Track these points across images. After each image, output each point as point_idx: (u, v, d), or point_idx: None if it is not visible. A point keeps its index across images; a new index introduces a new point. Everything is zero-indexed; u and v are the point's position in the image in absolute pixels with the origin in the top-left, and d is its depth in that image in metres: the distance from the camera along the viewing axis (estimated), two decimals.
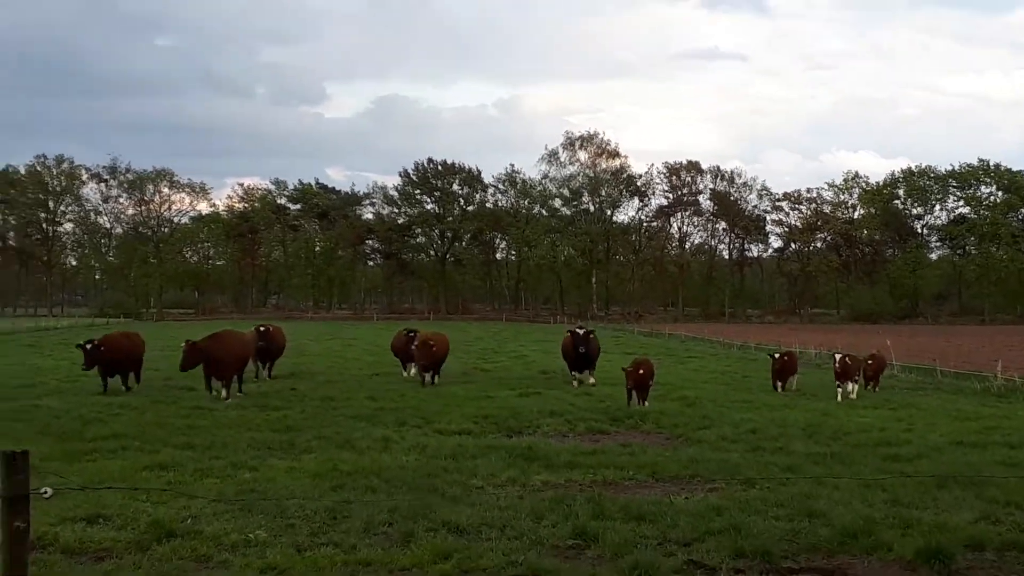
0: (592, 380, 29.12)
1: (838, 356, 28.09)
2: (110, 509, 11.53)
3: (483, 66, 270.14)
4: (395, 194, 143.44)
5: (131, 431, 18.21)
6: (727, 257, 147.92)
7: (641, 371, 23.32)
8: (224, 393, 24.55)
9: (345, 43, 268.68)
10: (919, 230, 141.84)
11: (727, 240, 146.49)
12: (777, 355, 29.44)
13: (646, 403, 23.36)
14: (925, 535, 10.79)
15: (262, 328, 30.58)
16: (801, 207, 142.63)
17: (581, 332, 29.77)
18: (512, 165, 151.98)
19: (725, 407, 23.99)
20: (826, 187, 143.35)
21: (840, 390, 26.69)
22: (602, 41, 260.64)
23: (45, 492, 6.95)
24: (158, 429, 18.61)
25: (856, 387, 27.24)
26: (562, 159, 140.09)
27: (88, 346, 26.44)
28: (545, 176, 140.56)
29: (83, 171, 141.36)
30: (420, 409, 22.47)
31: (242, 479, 13.89)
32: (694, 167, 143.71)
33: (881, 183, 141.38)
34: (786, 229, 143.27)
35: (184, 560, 9.84)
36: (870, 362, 29.35)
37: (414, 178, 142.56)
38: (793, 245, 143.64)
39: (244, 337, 26.81)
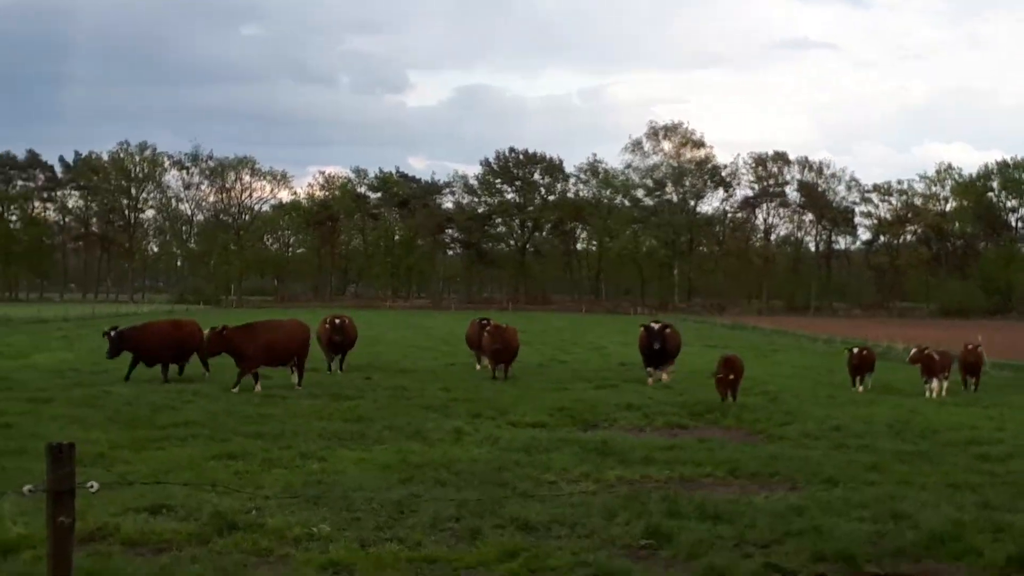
0: (665, 377, 27.99)
1: (914, 349, 27.10)
2: (174, 499, 11.33)
3: (569, 55, 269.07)
4: (475, 183, 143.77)
5: (201, 419, 18.14)
6: (814, 249, 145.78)
7: (731, 376, 22.74)
8: (295, 380, 24.58)
9: (430, 31, 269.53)
10: (1013, 223, 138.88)
11: (814, 232, 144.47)
12: (855, 350, 28.25)
13: (736, 398, 22.78)
14: (1017, 541, 10.22)
15: (336, 321, 30.18)
16: (891, 199, 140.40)
17: (656, 327, 28.31)
18: (595, 154, 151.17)
19: (808, 403, 23.36)
20: (917, 179, 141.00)
21: (928, 387, 25.79)
22: (689, 31, 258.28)
23: (91, 486, 6.73)
24: (228, 418, 18.50)
25: (945, 384, 26.23)
26: (646, 149, 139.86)
27: (112, 333, 26.42)
28: (628, 166, 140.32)
29: (165, 158, 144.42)
30: (494, 401, 22.17)
31: (310, 470, 13.69)
32: (781, 158, 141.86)
33: (975, 175, 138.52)
34: (875, 221, 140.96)
35: (244, 554, 9.60)
36: (972, 348, 27.74)
37: (495, 167, 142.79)
38: (882, 238, 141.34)
39: (283, 329, 25.66)
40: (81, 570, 8.28)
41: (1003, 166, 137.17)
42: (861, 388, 26.73)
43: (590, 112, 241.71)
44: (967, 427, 19.47)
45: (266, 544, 9.86)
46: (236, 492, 11.47)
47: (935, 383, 25.71)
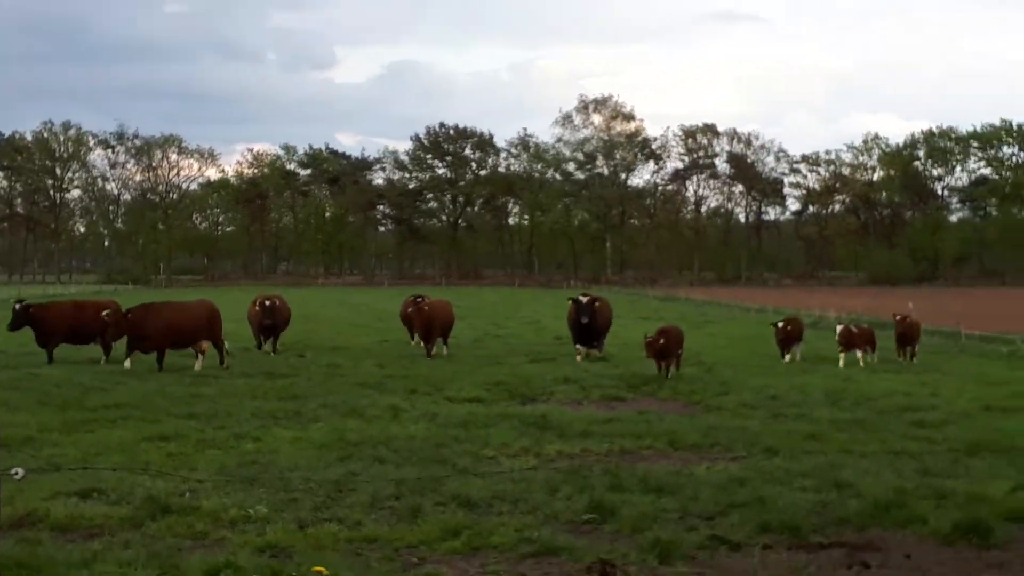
0: (599, 354, 27.36)
1: (840, 327, 27.09)
2: (106, 483, 11.02)
3: (497, 30, 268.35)
4: (406, 159, 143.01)
5: (133, 400, 17.80)
6: (744, 220, 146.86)
7: (662, 340, 22.47)
8: (197, 361, 23.86)
9: (356, 7, 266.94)
10: (939, 192, 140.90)
11: (744, 203, 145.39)
12: (780, 324, 28.07)
13: (678, 370, 22.67)
14: (961, 507, 10.31)
15: (267, 303, 29.41)
16: (819, 169, 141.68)
17: (584, 300, 27.23)
18: (525, 129, 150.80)
19: (744, 373, 23.50)
20: (845, 149, 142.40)
21: (843, 355, 25.71)
22: (617, 4, 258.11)
23: (16, 472, 6.48)
24: (160, 398, 18.16)
25: (871, 358, 26.17)
26: (576, 122, 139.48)
27: (17, 306, 26.24)
28: (559, 140, 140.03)
29: (90, 137, 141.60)
30: (430, 376, 22.01)
31: (245, 450, 13.46)
32: (710, 130, 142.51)
33: (901, 145, 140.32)
34: (804, 192, 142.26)
35: (179, 538, 9.35)
36: (901, 319, 27.46)
37: (426, 143, 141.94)
38: (811, 208, 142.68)
39: (181, 310, 25.14)
40: (8, 558, 8.02)
41: (928, 135, 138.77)
42: (788, 358, 26.59)
43: (519, 86, 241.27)
44: (901, 394, 19.68)
45: (201, 527, 9.63)
46: (169, 475, 11.20)
47: (859, 354, 25.74)
